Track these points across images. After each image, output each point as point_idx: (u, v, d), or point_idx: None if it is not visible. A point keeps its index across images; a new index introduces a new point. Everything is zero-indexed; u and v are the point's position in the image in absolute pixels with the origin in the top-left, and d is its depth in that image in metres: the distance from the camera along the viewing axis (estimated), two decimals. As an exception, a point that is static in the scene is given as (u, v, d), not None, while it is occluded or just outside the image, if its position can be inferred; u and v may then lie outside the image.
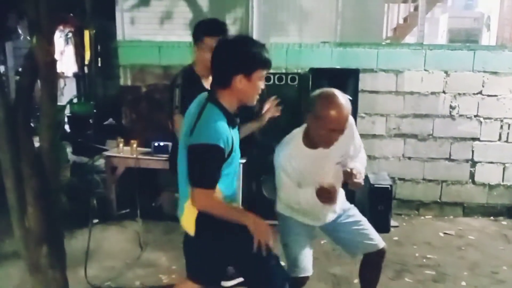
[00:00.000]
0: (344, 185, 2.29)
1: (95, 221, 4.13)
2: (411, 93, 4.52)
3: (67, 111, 6.65)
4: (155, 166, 4.32)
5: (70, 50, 8.22)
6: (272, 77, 4.17)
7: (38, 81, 2.46)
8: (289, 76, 4.32)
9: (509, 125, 4.50)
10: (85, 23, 7.28)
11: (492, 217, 4.60)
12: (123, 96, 4.96)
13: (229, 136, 1.90)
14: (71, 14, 7.11)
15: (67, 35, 7.91)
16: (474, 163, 4.58)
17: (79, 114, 6.92)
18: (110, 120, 6.54)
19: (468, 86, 4.47)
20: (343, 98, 2.06)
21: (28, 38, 2.63)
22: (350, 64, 4.43)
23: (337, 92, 2.08)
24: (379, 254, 2.41)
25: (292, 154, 2.14)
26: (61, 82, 7.88)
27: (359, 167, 2.26)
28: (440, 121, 4.54)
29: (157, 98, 4.82)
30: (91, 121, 6.89)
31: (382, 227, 4.13)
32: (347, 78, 4.20)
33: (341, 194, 2.27)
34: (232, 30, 4.72)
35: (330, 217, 2.37)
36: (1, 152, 2.41)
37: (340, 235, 2.43)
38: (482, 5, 8.35)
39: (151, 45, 4.78)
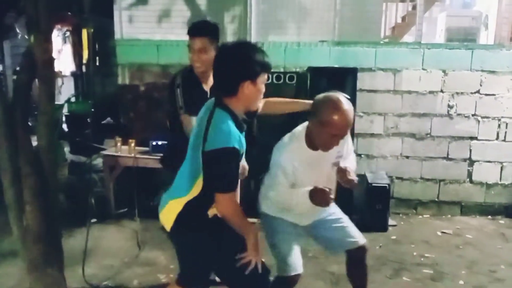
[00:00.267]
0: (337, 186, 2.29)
1: (93, 220, 4.13)
2: (409, 92, 4.53)
3: (65, 110, 6.64)
4: (153, 165, 4.31)
5: (68, 49, 8.19)
6: (270, 76, 4.16)
7: (36, 80, 2.45)
8: (288, 75, 4.33)
9: (506, 124, 4.51)
10: (83, 22, 7.27)
11: (490, 216, 4.61)
12: (121, 95, 4.95)
13: (240, 138, 1.91)
14: (69, 13, 7.09)
15: (65, 33, 7.89)
16: (472, 162, 4.59)
17: (77, 113, 6.91)
18: (108, 119, 6.52)
19: (466, 85, 4.48)
20: (348, 104, 2.05)
21: (26, 36, 2.63)
22: (348, 63, 4.43)
23: (342, 97, 2.07)
24: (361, 250, 2.40)
25: (295, 155, 2.13)
26: (59, 81, 7.86)
27: (351, 166, 2.27)
28: (438, 120, 4.55)
29: (155, 97, 4.81)
30: (89, 120, 6.87)
31: (380, 226, 4.17)
32: (345, 77, 4.21)
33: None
34: (231, 28, 4.73)
35: (317, 217, 2.38)
36: (-1, 151, 2.41)
37: (320, 232, 2.42)
38: (480, 4, 8.36)
39: (150, 43, 4.78)
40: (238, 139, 1.88)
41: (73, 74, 8.36)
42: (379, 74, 4.53)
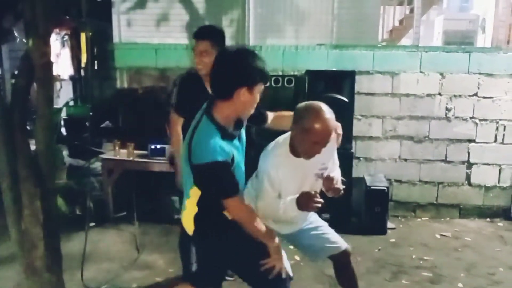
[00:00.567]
0: (322, 195, 2.30)
1: (92, 223, 4.12)
2: (407, 95, 4.54)
3: (63, 114, 6.62)
4: (152, 169, 4.31)
5: (66, 52, 8.19)
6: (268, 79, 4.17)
7: (34, 83, 2.45)
8: (286, 78, 4.33)
9: (504, 126, 4.52)
10: (81, 26, 7.27)
11: (488, 219, 4.62)
12: (120, 98, 4.95)
13: (226, 148, 1.88)
14: (67, 17, 7.09)
15: (63, 37, 7.89)
16: (470, 165, 4.60)
17: (76, 117, 6.90)
18: (107, 122, 6.52)
19: (464, 88, 4.49)
20: (329, 113, 2.06)
21: (24, 40, 2.63)
22: (346, 66, 4.44)
23: (324, 106, 2.08)
24: (344, 255, 2.42)
25: (280, 162, 2.15)
26: (57, 85, 7.85)
27: (337, 175, 2.29)
28: (436, 123, 4.56)
29: (153, 100, 4.81)
30: (87, 123, 6.86)
31: (379, 229, 4.17)
32: (343, 80, 4.22)
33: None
34: (229, 32, 4.72)
35: (300, 225, 2.39)
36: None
37: (301, 241, 2.45)
38: (477, 7, 8.40)
39: (148, 47, 4.78)
40: (220, 150, 1.85)
41: (71, 77, 8.36)
42: (377, 77, 4.54)
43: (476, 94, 4.50)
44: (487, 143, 4.55)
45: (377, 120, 4.60)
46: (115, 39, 4.92)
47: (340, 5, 4.59)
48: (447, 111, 4.54)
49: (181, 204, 2.23)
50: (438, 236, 4.19)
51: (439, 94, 4.52)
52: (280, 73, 4.51)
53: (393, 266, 3.53)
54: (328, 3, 4.61)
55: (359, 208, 4.34)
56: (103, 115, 6.61)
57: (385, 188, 4.20)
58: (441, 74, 4.49)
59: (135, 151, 4.37)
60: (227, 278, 2.90)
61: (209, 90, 2.84)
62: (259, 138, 3.71)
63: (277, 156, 2.17)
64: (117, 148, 4.45)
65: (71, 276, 3.06)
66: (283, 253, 2.19)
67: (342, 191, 2.20)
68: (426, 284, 3.27)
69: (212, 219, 2.00)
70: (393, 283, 3.29)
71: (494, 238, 4.16)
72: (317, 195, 2.09)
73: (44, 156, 2.47)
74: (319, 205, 2.10)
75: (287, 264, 2.22)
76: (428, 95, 4.53)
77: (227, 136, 1.92)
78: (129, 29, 4.90)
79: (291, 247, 2.55)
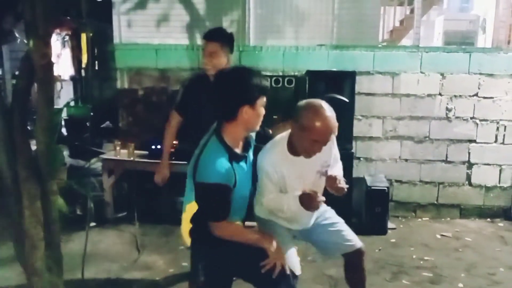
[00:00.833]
0: (325, 192, 2.30)
1: (92, 224, 4.13)
2: (408, 95, 4.54)
3: (64, 114, 6.64)
4: (152, 169, 4.30)
5: (67, 53, 8.22)
6: (269, 79, 4.18)
7: (35, 84, 2.46)
8: (286, 79, 4.34)
9: (505, 127, 4.52)
10: (82, 26, 7.29)
11: (488, 219, 4.61)
12: (120, 99, 4.95)
13: (230, 171, 1.94)
14: (68, 17, 7.11)
15: (64, 38, 7.91)
16: (470, 165, 4.60)
17: (76, 117, 6.92)
18: (107, 123, 6.54)
19: (464, 88, 4.49)
20: (330, 111, 2.06)
21: (25, 41, 2.63)
22: (347, 67, 4.44)
23: (324, 104, 2.08)
24: (357, 254, 2.40)
25: (277, 160, 2.15)
26: (58, 85, 7.87)
27: (339, 173, 2.29)
28: (436, 123, 4.56)
29: (154, 101, 4.82)
30: (88, 124, 6.88)
31: (379, 229, 4.17)
32: (343, 81, 4.22)
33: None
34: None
35: (311, 222, 2.39)
36: (-3, 156, 2.41)
37: (317, 237, 2.43)
38: (478, 8, 8.40)
39: (148, 48, 4.78)
40: (225, 173, 1.91)
41: (72, 78, 8.39)
42: (377, 77, 4.54)
43: (476, 95, 4.50)
44: (487, 143, 4.55)
45: (378, 120, 4.60)
46: (116, 39, 4.92)
47: (340, 5, 4.59)
48: (447, 111, 4.54)
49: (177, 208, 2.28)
50: (438, 236, 4.19)
51: (440, 94, 4.52)
52: (281, 74, 4.51)
53: (393, 266, 3.53)
54: (328, 4, 4.61)
55: (359, 208, 4.34)
56: (104, 115, 6.63)
57: (386, 188, 4.20)
58: (442, 74, 4.49)
59: (136, 152, 4.38)
60: None
61: None
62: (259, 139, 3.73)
63: (274, 154, 2.16)
64: (117, 148, 4.45)
65: (72, 276, 3.05)
66: (293, 249, 2.21)
67: (346, 190, 2.19)
68: (426, 284, 3.27)
69: (206, 234, 2.03)
70: (394, 283, 3.29)
71: (495, 238, 4.16)
72: (319, 194, 2.08)
73: (44, 157, 2.47)
74: (321, 204, 2.11)
75: (295, 261, 2.23)
76: (429, 95, 4.53)
77: (235, 157, 1.98)
78: (130, 30, 4.90)
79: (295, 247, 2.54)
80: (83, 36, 7.41)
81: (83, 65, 7.72)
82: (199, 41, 4.72)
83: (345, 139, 4.19)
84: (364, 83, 4.51)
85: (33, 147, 2.50)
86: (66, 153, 5.48)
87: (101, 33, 7.07)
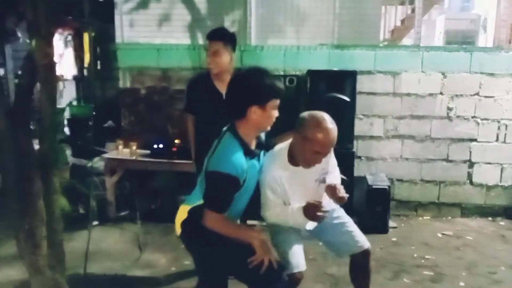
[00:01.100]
0: None
1: (95, 223, 4.14)
2: (409, 94, 4.55)
3: (66, 114, 6.66)
4: (154, 168, 4.34)
5: (69, 52, 8.23)
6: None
7: (38, 83, 2.47)
8: (287, 78, 4.35)
9: (506, 126, 4.52)
10: (84, 26, 7.30)
11: (490, 218, 4.62)
12: (122, 98, 4.97)
13: (244, 166, 1.98)
14: (70, 17, 7.12)
15: (66, 37, 7.92)
16: (471, 164, 4.60)
17: (79, 117, 6.94)
18: (110, 122, 6.55)
19: (465, 88, 4.49)
20: (331, 123, 2.09)
21: (27, 40, 2.65)
22: (348, 66, 4.45)
23: (326, 116, 2.11)
24: (365, 254, 2.43)
25: (279, 173, 2.17)
26: (61, 85, 7.88)
27: (338, 182, 2.31)
28: (437, 122, 4.56)
29: (156, 100, 4.83)
30: (90, 123, 6.90)
31: (380, 228, 4.17)
32: (344, 80, 4.22)
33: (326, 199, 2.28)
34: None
35: (314, 226, 2.40)
36: (1, 155, 2.43)
37: (326, 236, 2.45)
38: (479, 7, 8.39)
39: (150, 47, 4.80)
40: (239, 168, 1.95)
41: (74, 77, 8.39)
42: (378, 77, 4.54)
43: (477, 94, 4.50)
44: (488, 142, 4.56)
45: (379, 119, 4.60)
46: (118, 39, 4.94)
47: (341, 5, 4.60)
48: (448, 111, 4.54)
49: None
50: (439, 235, 4.20)
51: (441, 93, 4.52)
52: (282, 73, 4.51)
53: (394, 265, 3.54)
54: (329, 3, 4.62)
55: (360, 207, 4.35)
56: (106, 114, 6.65)
57: (387, 187, 4.21)
58: (443, 73, 4.49)
59: (138, 151, 4.39)
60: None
61: (219, 90, 2.99)
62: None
63: (275, 167, 2.18)
64: (119, 147, 4.47)
65: (74, 274, 3.08)
66: (299, 246, 2.24)
67: (346, 199, 2.20)
68: (427, 283, 3.28)
69: (198, 227, 2.05)
70: (394, 282, 3.30)
71: (496, 237, 4.16)
72: (322, 205, 2.10)
73: (47, 156, 2.49)
74: (325, 214, 2.14)
75: (300, 260, 2.26)
76: (430, 94, 4.53)
77: (249, 153, 2.03)
78: (132, 29, 4.91)
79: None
80: (86, 36, 7.43)
81: (86, 65, 7.73)
82: (200, 40, 4.73)
83: (346, 139, 4.20)
84: (365, 82, 4.52)
85: (36, 146, 2.52)
86: (68, 152, 5.49)
87: (103, 32, 7.08)
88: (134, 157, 4.32)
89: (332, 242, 2.46)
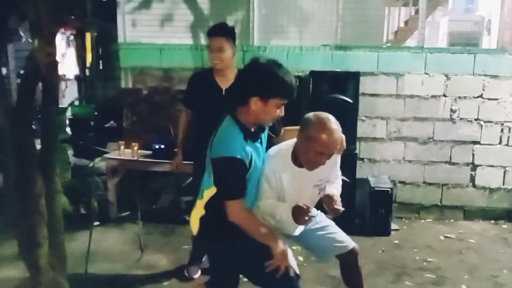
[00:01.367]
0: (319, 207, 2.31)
1: (96, 223, 4.13)
2: (412, 96, 4.53)
3: (68, 114, 6.66)
4: (156, 169, 4.33)
5: (71, 52, 8.24)
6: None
7: (40, 83, 2.47)
8: (290, 79, 4.33)
9: (509, 128, 4.50)
10: (86, 26, 7.31)
11: (492, 221, 4.59)
12: (124, 98, 4.96)
13: (246, 149, 1.95)
14: (73, 17, 7.13)
15: (68, 37, 7.93)
16: (474, 167, 4.58)
17: (80, 117, 6.95)
18: (111, 122, 6.56)
19: (469, 90, 4.47)
20: (336, 124, 2.08)
21: (30, 40, 2.65)
22: (351, 67, 4.43)
23: (331, 117, 2.10)
24: (351, 254, 2.42)
25: (278, 167, 2.16)
26: (63, 84, 7.89)
27: (337, 193, 2.29)
28: (440, 125, 4.54)
29: (158, 100, 4.82)
30: (92, 123, 6.90)
31: (382, 230, 4.16)
32: (347, 81, 4.20)
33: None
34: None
35: (299, 231, 2.40)
36: (2, 154, 2.42)
37: (308, 241, 2.45)
38: (483, 9, 8.36)
39: (152, 47, 4.79)
40: (241, 149, 1.92)
41: (76, 77, 8.41)
42: (381, 78, 4.53)
43: (481, 96, 4.48)
44: (491, 145, 4.54)
45: (382, 121, 4.59)
46: (120, 39, 4.93)
47: (344, 6, 4.58)
48: (451, 113, 4.52)
49: (190, 205, 2.29)
50: (442, 238, 4.18)
51: (444, 95, 4.50)
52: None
53: (396, 267, 3.52)
54: (332, 4, 4.60)
55: (362, 209, 4.34)
56: (108, 115, 6.65)
57: (389, 189, 4.19)
58: (446, 75, 4.47)
59: (139, 151, 4.38)
60: None
61: (220, 86, 3.01)
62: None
63: (277, 161, 2.17)
64: (121, 148, 4.46)
65: (75, 275, 3.07)
66: (289, 251, 2.21)
67: (341, 212, 2.18)
68: (429, 286, 3.26)
69: (216, 223, 2.03)
70: (396, 285, 3.28)
71: (498, 240, 4.14)
72: (309, 209, 2.10)
73: (49, 156, 2.48)
74: (311, 219, 2.14)
75: (293, 263, 2.23)
76: (433, 96, 4.51)
77: (250, 136, 1.99)
78: (134, 29, 4.91)
79: (295, 247, 2.54)
80: (88, 36, 7.44)
81: (88, 65, 7.74)
82: (203, 40, 4.72)
83: (349, 140, 4.14)
84: (368, 83, 4.50)
85: (38, 146, 2.51)
86: (70, 152, 5.50)
87: (105, 32, 7.09)
88: (135, 158, 4.31)
89: (315, 246, 2.46)
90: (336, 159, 2.28)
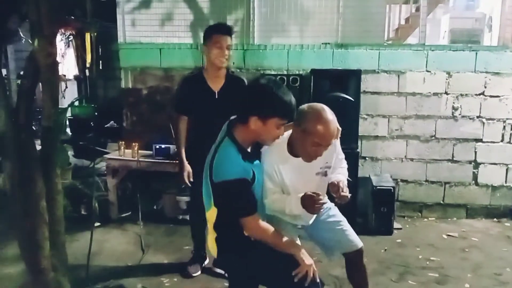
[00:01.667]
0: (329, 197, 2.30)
1: (97, 224, 4.13)
2: (413, 94, 4.51)
3: (68, 114, 6.65)
4: (156, 169, 4.31)
5: (71, 52, 8.23)
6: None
7: (40, 83, 2.45)
8: (291, 78, 4.33)
9: (511, 125, 4.48)
10: (86, 26, 7.30)
11: (495, 219, 4.58)
12: (124, 98, 4.95)
13: (247, 167, 1.96)
14: (72, 17, 7.11)
15: (68, 37, 7.92)
16: (477, 164, 4.56)
17: (81, 117, 6.94)
18: (111, 122, 6.55)
19: (470, 87, 4.45)
20: (331, 114, 2.08)
21: (30, 41, 2.64)
22: (352, 65, 4.42)
23: (326, 108, 2.10)
24: (358, 254, 2.43)
25: (276, 160, 2.15)
26: (63, 85, 7.88)
27: (343, 179, 2.29)
28: (442, 122, 4.52)
29: (158, 100, 4.81)
30: (92, 123, 6.90)
31: (385, 229, 4.15)
32: (348, 79, 4.19)
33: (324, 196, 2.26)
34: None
35: (311, 221, 2.41)
36: (3, 155, 2.41)
37: (320, 233, 2.44)
38: (484, 6, 8.34)
39: (152, 47, 4.78)
40: (242, 169, 1.93)
41: (76, 78, 8.40)
42: (383, 76, 4.51)
43: (483, 93, 4.46)
44: (494, 142, 4.52)
45: (383, 119, 4.57)
46: (120, 39, 4.91)
47: (345, 3, 4.56)
48: (453, 110, 4.50)
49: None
50: (444, 236, 4.16)
51: (446, 93, 4.49)
52: (285, 73, 4.49)
53: (399, 266, 3.51)
54: (333, 2, 4.58)
55: (365, 208, 4.32)
56: (108, 115, 6.64)
57: (391, 188, 4.17)
58: (448, 73, 4.45)
59: (140, 151, 4.37)
60: None
61: (212, 88, 3.00)
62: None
63: (273, 154, 2.16)
64: (121, 148, 4.45)
65: (77, 276, 3.05)
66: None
67: (349, 198, 2.19)
68: (432, 285, 3.25)
69: (233, 240, 2.04)
70: (399, 283, 3.27)
71: (501, 238, 4.12)
72: (320, 196, 2.08)
73: (49, 157, 2.47)
74: (323, 206, 2.12)
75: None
76: (435, 94, 4.49)
77: (248, 157, 1.99)
78: (134, 29, 4.89)
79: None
80: (88, 36, 7.42)
81: (88, 65, 7.73)
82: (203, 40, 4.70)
83: (351, 139, 4.17)
84: (369, 81, 4.49)
85: (38, 147, 2.50)
86: (70, 153, 5.49)
87: (105, 32, 7.08)
88: (136, 158, 4.30)
89: (325, 239, 2.45)
90: (335, 144, 2.28)
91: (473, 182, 4.59)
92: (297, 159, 2.17)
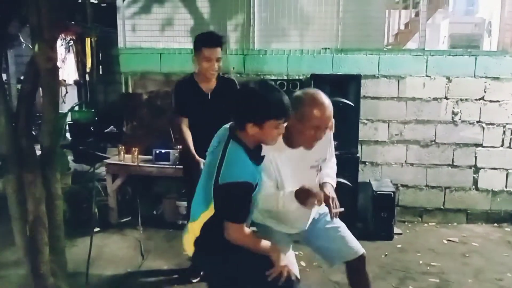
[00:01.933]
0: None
1: (97, 229, 4.11)
2: (413, 99, 4.51)
3: (68, 119, 6.65)
4: (156, 174, 4.31)
5: (71, 57, 8.23)
6: (273, 83, 4.16)
7: (40, 88, 2.46)
8: (291, 83, 4.33)
9: (511, 130, 4.48)
10: (86, 31, 7.31)
11: (495, 224, 4.57)
12: (124, 103, 4.95)
13: (255, 170, 1.96)
14: (73, 22, 7.13)
15: (68, 42, 7.93)
16: (477, 169, 4.56)
17: (81, 122, 6.93)
18: (111, 127, 6.54)
19: (470, 92, 4.46)
20: (325, 97, 2.10)
21: (30, 45, 2.64)
22: (352, 70, 4.43)
23: (319, 92, 2.12)
24: (360, 260, 2.34)
25: (273, 153, 2.14)
26: (63, 90, 7.88)
27: (333, 184, 2.29)
28: (442, 127, 4.52)
29: (158, 105, 4.81)
30: (92, 128, 6.89)
31: (385, 234, 4.14)
32: (348, 84, 4.20)
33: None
34: (234, 37, 4.74)
35: (306, 224, 2.36)
36: (3, 160, 2.41)
37: (319, 242, 2.39)
38: (483, 11, 8.36)
39: (152, 52, 4.79)
40: (251, 173, 1.92)
41: (76, 82, 8.40)
42: (382, 81, 4.52)
43: (482, 98, 4.46)
44: (494, 147, 4.51)
45: (383, 124, 4.57)
46: (120, 44, 4.92)
47: (345, 8, 4.57)
48: (453, 115, 4.50)
49: (188, 211, 2.25)
50: (445, 241, 4.15)
51: (446, 98, 4.49)
52: (285, 78, 4.50)
53: (400, 272, 3.50)
54: (333, 7, 4.59)
55: (365, 213, 4.31)
56: (108, 120, 6.63)
57: (392, 193, 4.16)
58: (447, 77, 4.46)
59: (140, 156, 4.37)
60: None
61: (205, 91, 3.09)
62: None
63: (270, 148, 2.12)
64: (121, 153, 4.45)
65: (76, 281, 3.05)
66: (292, 253, 2.18)
67: (343, 211, 2.18)
68: (433, 290, 3.24)
69: (212, 243, 2.03)
70: (400, 289, 3.26)
71: (502, 243, 4.11)
72: (317, 190, 2.07)
73: (49, 161, 2.47)
74: (320, 200, 2.08)
75: (294, 267, 2.20)
76: (434, 99, 4.49)
77: (255, 158, 1.98)
78: (134, 34, 4.90)
79: (297, 252, 2.52)
80: (88, 41, 7.43)
81: (88, 70, 7.73)
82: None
83: (351, 143, 4.17)
84: (369, 86, 4.49)
85: (38, 152, 2.50)
86: (70, 157, 5.48)
87: (105, 37, 7.09)
88: (136, 163, 4.30)
89: (324, 248, 2.39)
90: (330, 138, 2.29)
91: (473, 187, 4.58)
92: (293, 150, 2.16)
